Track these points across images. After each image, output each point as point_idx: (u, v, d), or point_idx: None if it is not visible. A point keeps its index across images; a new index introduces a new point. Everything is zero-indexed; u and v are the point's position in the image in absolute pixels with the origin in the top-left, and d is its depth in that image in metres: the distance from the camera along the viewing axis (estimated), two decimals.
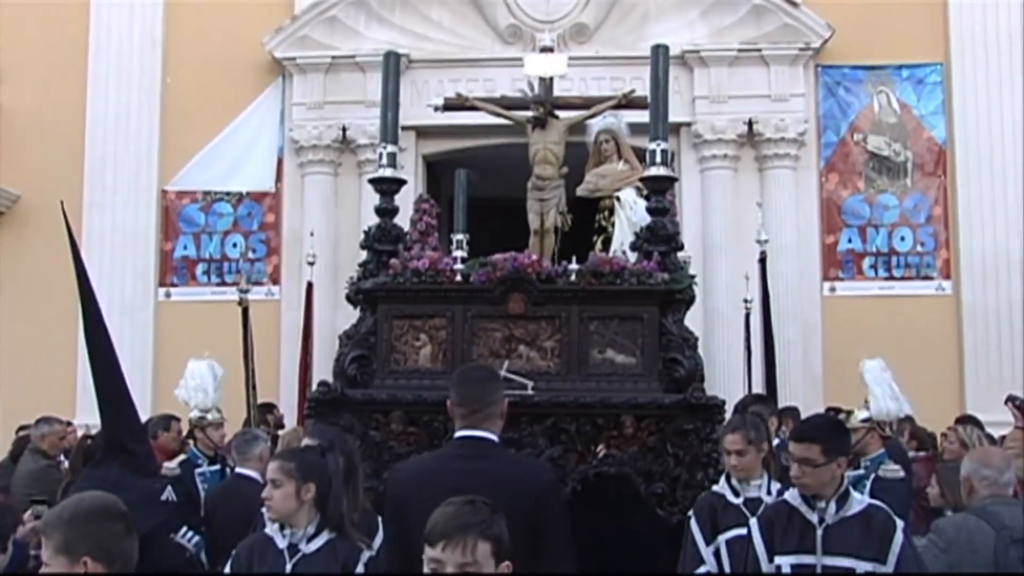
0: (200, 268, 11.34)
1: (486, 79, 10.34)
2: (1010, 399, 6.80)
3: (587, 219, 7.01)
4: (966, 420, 7.59)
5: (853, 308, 10.71)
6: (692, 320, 6.34)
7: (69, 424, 8.06)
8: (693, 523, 4.64)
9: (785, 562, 3.87)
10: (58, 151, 11.26)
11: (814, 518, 3.86)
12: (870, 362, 6.29)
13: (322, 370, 8.41)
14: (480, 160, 10.09)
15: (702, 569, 4.55)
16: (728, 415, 5.59)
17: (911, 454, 7.28)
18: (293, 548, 3.81)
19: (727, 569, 4.48)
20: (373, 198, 6.37)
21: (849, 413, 6.29)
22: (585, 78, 9.94)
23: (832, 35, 10.77)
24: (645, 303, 5.71)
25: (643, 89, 6.53)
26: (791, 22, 10.80)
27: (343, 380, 5.74)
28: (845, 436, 4.19)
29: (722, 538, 4.54)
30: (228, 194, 11.36)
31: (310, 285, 9.62)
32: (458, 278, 5.75)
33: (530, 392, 5.40)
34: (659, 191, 6.05)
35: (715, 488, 4.78)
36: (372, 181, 6.33)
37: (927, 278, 10.87)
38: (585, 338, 5.68)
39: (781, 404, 8.39)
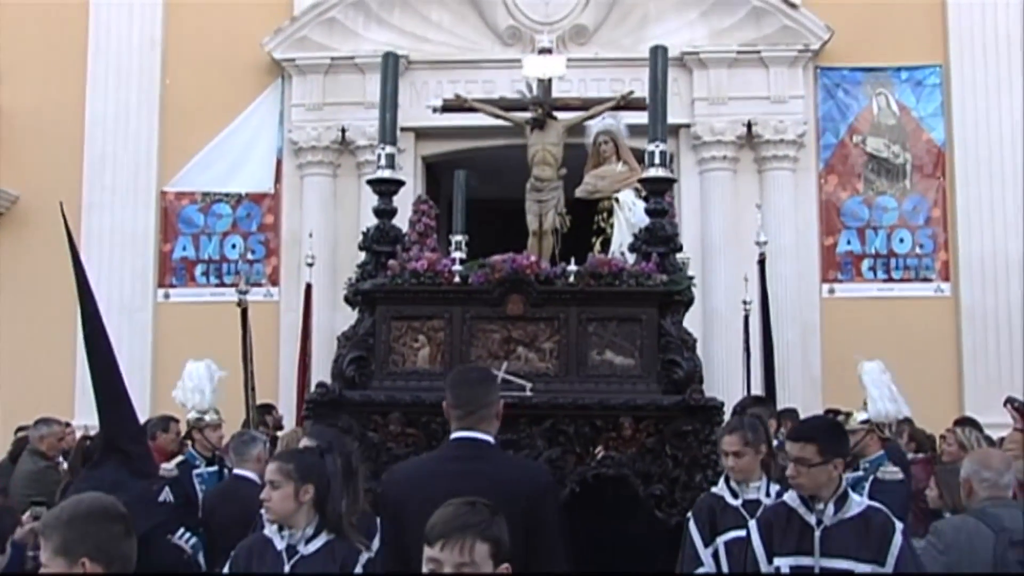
0: (199, 269, 11.34)
1: (485, 80, 10.33)
2: (1009, 401, 6.79)
3: (586, 220, 7.01)
4: (965, 422, 7.58)
5: (852, 310, 10.72)
6: (691, 321, 6.35)
7: (68, 425, 8.06)
8: (692, 525, 4.64)
9: (784, 564, 3.87)
10: (57, 152, 11.26)
11: (812, 520, 3.86)
12: (869, 364, 6.29)
13: (321, 371, 8.40)
14: (479, 161, 10.09)
15: (701, 570, 4.54)
16: (727, 417, 5.59)
17: (910, 456, 7.28)
18: (292, 549, 3.80)
19: (726, 571, 4.48)
20: (372, 199, 6.37)
21: (848, 415, 6.29)
22: (585, 80, 9.93)
23: (831, 37, 10.78)
24: (644, 304, 5.71)
25: (642, 90, 6.54)
26: (790, 24, 10.80)
27: (341, 381, 5.74)
28: (843, 437, 4.18)
29: (721, 540, 4.54)
30: (227, 195, 11.35)
31: (309, 286, 9.63)
32: (457, 279, 5.75)
33: (529, 393, 5.40)
34: (658, 192, 6.06)
35: (714, 490, 4.77)
36: (370, 182, 6.34)
37: (926, 280, 10.87)
38: (584, 339, 5.68)
39: (780, 406, 8.39)
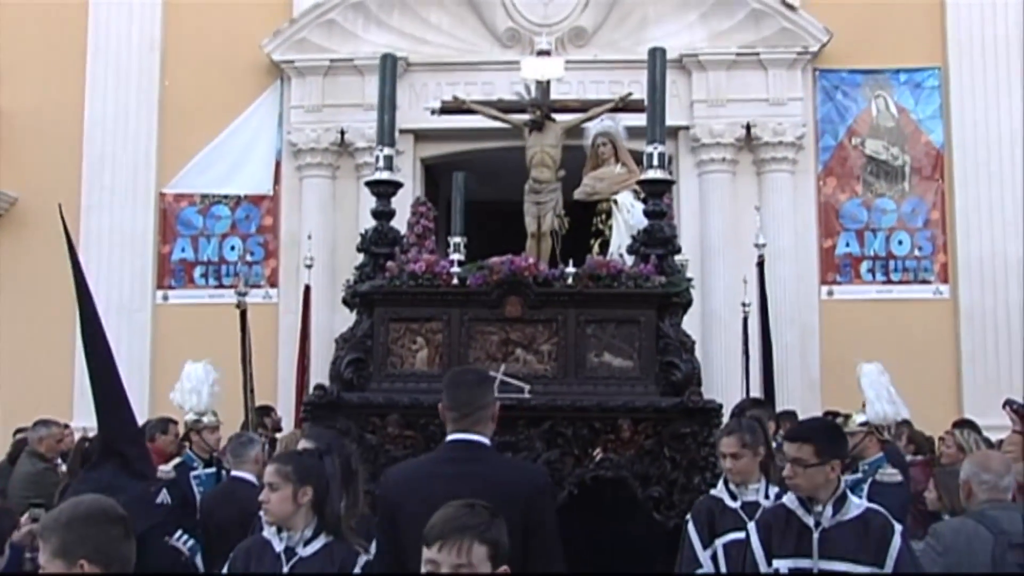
0: (198, 271, 11.34)
1: (484, 82, 10.32)
2: (1008, 403, 6.78)
3: (584, 222, 7.01)
4: (964, 424, 7.58)
5: (851, 312, 10.72)
6: (690, 323, 6.35)
7: (66, 427, 8.07)
8: (691, 527, 4.63)
9: (782, 566, 3.87)
10: (56, 153, 11.26)
11: (811, 522, 3.86)
12: (868, 366, 6.29)
13: (320, 373, 8.40)
14: (478, 163, 10.09)
15: (699, 572, 4.54)
16: (726, 419, 5.58)
17: (909, 458, 7.28)
18: (290, 551, 3.80)
19: (724, 573, 4.48)
20: (371, 201, 6.37)
21: (847, 417, 6.29)
22: (584, 82, 9.93)
23: (830, 39, 10.78)
24: (642, 306, 5.71)
25: (641, 92, 6.54)
26: (789, 26, 10.81)
27: (339, 383, 5.74)
28: (840, 439, 4.18)
29: (719, 542, 4.53)
30: (226, 197, 11.35)
31: (308, 288, 9.63)
32: (455, 281, 5.75)
33: (527, 395, 5.40)
34: (656, 194, 6.06)
35: (713, 492, 4.76)
36: (369, 184, 6.34)
37: (925, 282, 10.88)
38: (582, 341, 5.68)
39: (779, 408, 8.38)
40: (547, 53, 7.04)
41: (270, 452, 6.32)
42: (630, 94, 6.96)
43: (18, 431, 8.44)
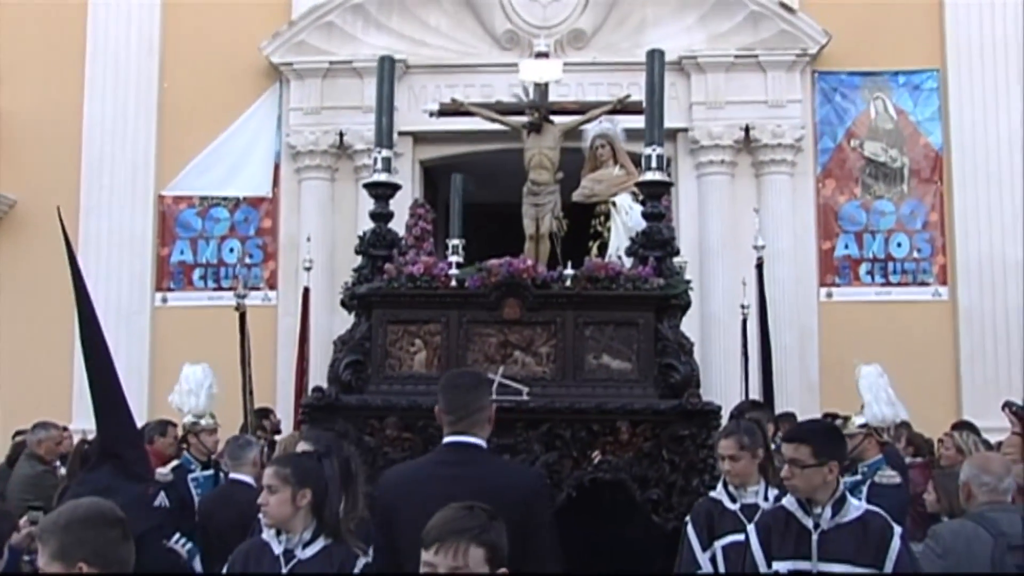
0: (197, 273, 11.33)
1: (483, 84, 10.33)
2: (1007, 405, 6.77)
3: (583, 224, 7.00)
4: (963, 426, 7.59)
5: (850, 314, 10.72)
6: (689, 325, 6.34)
7: (65, 429, 8.06)
8: (690, 529, 4.63)
9: (781, 567, 3.87)
10: (55, 155, 11.26)
11: (810, 523, 3.86)
12: (867, 368, 6.29)
13: (319, 375, 8.38)
14: (477, 165, 10.09)
15: (699, 574, 4.54)
16: (724, 421, 5.58)
17: (908, 460, 7.28)
18: (289, 554, 3.79)
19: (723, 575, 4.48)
20: (370, 203, 6.37)
21: (846, 419, 6.29)
22: (583, 84, 9.94)
23: (829, 41, 10.79)
24: (641, 308, 5.71)
25: (640, 95, 6.53)
26: (788, 28, 10.81)
27: (338, 385, 5.73)
28: (839, 441, 4.18)
29: (718, 544, 4.53)
30: (225, 199, 11.35)
31: (307, 290, 9.63)
32: (453, 283, 5.74)
33: (525, 398, 5.39)
34: (655, 196, 6.05)
35: (712, 494, 4.76)
36: (367, 185, 6.33)
37: (924, 284, 10.88)
38: (580, 343, 5.67)
39: (778, 410, 8.38)
40: (546, 55, 7.05)
41: (269, 454, 6.32)
42: (628, 96, 6.97)
43: (17, 433, 8.43)
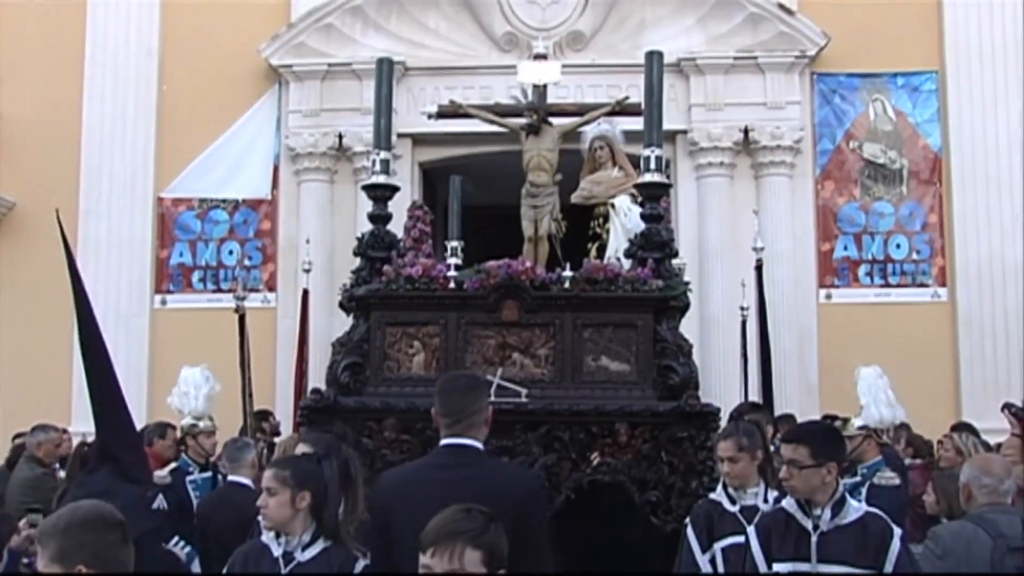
0: (196, 275, 11.33)
1: (482, 86, 10.34)
2: (1006, 406, 6.76)
3: (582, 226, 7.01)
4: (962, 427, 7.59)
5: (849, 315, 10.72)
6: (688, 327, 6.34)
7: (65, 432, 8.05)
8: (689, 530, 4.63)
9: (781, 569, 3.87)
10: (54, 158, 11.26)
11: (809, 525, 3.86)
12: (866, 369, 6.29)
13: (318, 377, 8.38)
14: (475, 167, 10.09)
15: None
16: (723, 423, 5.57)
17: (907, 461, 7.28)
18: (288, 556, 3.79)
19: None
20: (369, 205, 6.37)
21: (845, 420, 6.28)
22: (581, 86, 9.92)
23: (828, 43, 10.79)
24: (639, 310, 5.71)
25: (639, 96, 6.53)
26: (787, 30, 10.82)
27: (336, 388, 5.73)
28: (837, 442, 4.17)
29: (718, 546, 4.53)
30: (224, 201, 11.35)
31: (306, 292, 9.63)
32: (452, 285, 5.74)
33: (524, 400, 5.40)
34: (653, 198, 6.06)
35: (712, 496, 4.76)
36: (365, 187, 6.34)
37: (923, 285, 10.88)
38: (579, 345, 5.67)
39: (777, 412, 8.38)
40: (544, 57, 7.05)
41: (268, 456, 6.32)
42: (627, 98, 6.97)
43: (16, 436, 8.43)
